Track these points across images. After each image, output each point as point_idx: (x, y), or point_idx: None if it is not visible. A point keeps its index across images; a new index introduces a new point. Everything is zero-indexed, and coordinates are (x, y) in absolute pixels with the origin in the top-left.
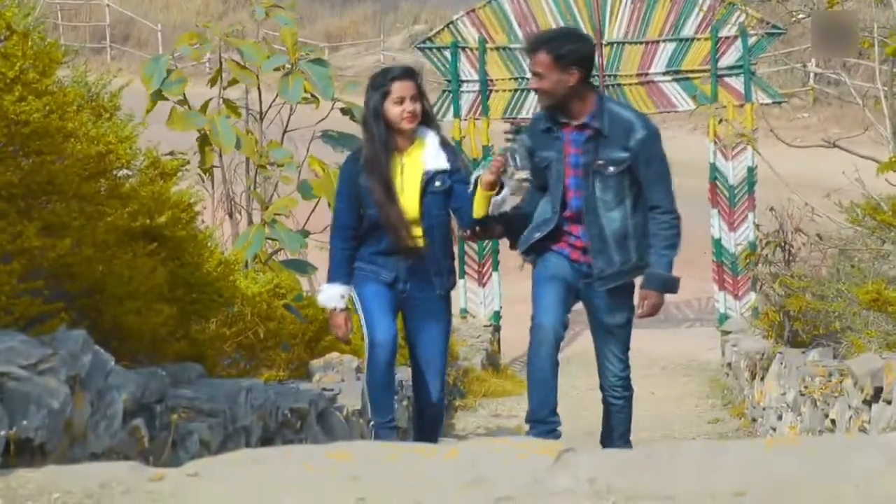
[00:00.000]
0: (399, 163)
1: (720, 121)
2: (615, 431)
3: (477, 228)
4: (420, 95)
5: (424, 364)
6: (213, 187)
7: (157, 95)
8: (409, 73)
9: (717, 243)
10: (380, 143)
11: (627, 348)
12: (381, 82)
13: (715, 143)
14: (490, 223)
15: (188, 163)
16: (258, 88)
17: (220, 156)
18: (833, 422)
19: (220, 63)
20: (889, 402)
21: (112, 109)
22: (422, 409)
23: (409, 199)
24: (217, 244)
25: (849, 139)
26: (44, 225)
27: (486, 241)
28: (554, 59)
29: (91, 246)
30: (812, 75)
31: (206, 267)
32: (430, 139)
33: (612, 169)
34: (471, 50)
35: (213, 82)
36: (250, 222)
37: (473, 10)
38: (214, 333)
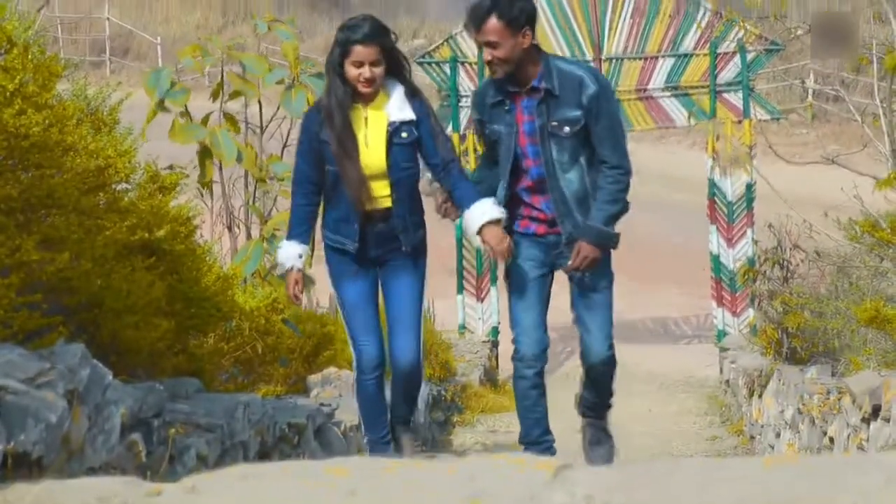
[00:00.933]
0: (362, 115)
1: (718, 137)
2: (592, 394)
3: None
4: (385, 56)
5: (393, 321)
6: (212, 201)
7: (160, 106)
8: (373, 37)
9: (716, 259)
10: (335, 97)
11: (610, 321)
12: (343, 40)
13: (713, 158)
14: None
15: (187, 176)
16: (259, 102)
17: (220, 169)
18: (831, 440)
19: (222, 76)
20: (887, 421)
21: (111, 123)
22: (394, 369)
23: (375, 152)
24: (216, 259)
25: (847, 156)
26: (43, 238)
27: (485, 257)
28: (506, 24)
29: (90, 260)
30: (811, 92)
31: (205, 281)
32: (396, 90)
33: (567, 129)
34: (469, 65)
35: (214, 95)
36: (249, 237)
37: None
38: (212, 348)
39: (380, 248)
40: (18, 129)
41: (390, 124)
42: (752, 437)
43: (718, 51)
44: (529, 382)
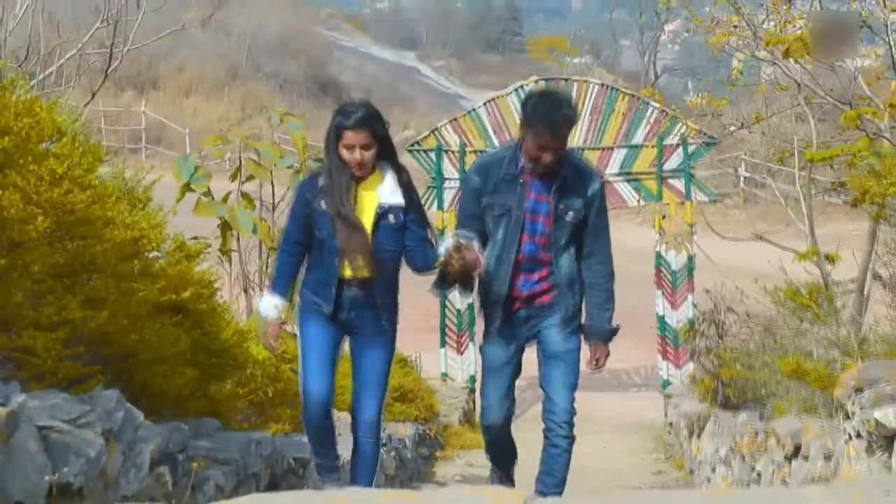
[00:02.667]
0: (354, 193)
1: (664, 216)
2: (553, 478)
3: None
4: (375, 140)
5: (361, 386)
6: (230, 267)
7: (186, 188)
8: (364, 122)
9: (661, 320)
10: (334, 175)
11: (576, 383)
12: (336, 125)
13: (660, 234)
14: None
15: (209, 246)
16: (272, 183)
17: (238, 240)
18: (759, 474)
19: (240, 161)
20: (806, 459)
21: (145, 201)
22: (355, 430)
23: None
24: (233, 316)
25: (773, 233)
26: (85, 299)
27: (464, 316)
28: (570, 128)
29: (125, 317)
30: (742, 178)
31: (224, 336)
32: (389, 174)
33: (570, 215)
34: (452, 153)
35: (233, 177)
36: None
37: (455, 119)
38: (230, 393)
39: (352, 312)
40: (66, 205)
41: (380, 206)
42: (692, 472)
43: (664, 143)
44: (497, 438)
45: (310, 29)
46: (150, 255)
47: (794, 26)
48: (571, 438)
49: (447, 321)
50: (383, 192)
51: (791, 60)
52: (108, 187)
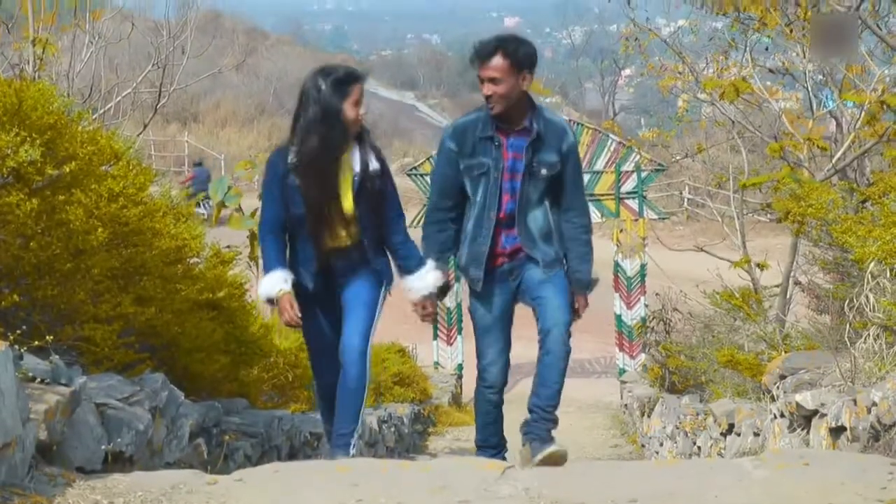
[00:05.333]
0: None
1: (621, 230)
2: (547, 389)
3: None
4: None
5: (346, 312)
6: (257, 271)
7: (221, 205)
8: (362, 75)
9: (619, 318)
10: (338, 143)
11: (570, 302)
12: (341, 81)
13: (617, 246)
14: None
15: (240, 253)
16: None
17: None
18: (699, 448)
19: None
20: (739, 435)
21: (188, 215)
22: (342, 355)
23: (344, 200)
24: (260, 313)
25: (711, 245)
26: (136, 297)
27: (454, 313)
28: (510, 63)
29: (170, 312)
30: (686, 199)
31: (252, 329)
32: (361, 140)
33: (544, 171)
34: None
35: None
36: None
37: None
38: (256, 377)
39: (343, 277)
40: (121, 218)
41: (356, 174)
42: (643, 446)
43: (622, 169)
44: (492, 403)
45: None
46: (191, 261)
47: (730, 73)
48: (567, 349)
49: (439, 317)
50: (359, 158)
51: (726, 102)
52: (156, 203)
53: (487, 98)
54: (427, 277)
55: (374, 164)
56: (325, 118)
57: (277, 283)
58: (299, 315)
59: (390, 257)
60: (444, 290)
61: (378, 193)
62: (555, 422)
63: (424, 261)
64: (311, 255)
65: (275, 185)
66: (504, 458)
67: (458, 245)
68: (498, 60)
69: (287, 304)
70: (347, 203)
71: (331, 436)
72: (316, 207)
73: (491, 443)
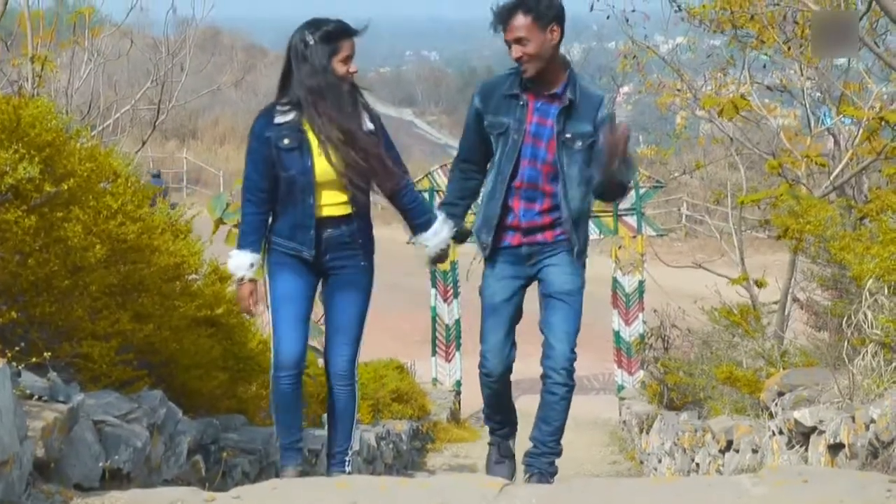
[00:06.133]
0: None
1: (619, 247)
2: (549, 426)
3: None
4: None
5: (334, 329)
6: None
7: (220, 221)
8: (354, 30)
9: (617, 334)
10: (344, 97)
11: (577, 328)
12: (329, 36)
13: (616, 262)
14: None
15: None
16: None
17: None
18: (697, 465)
19: None
20: (737, 452)
21: (186, 232)
22: (330, 379)
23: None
24: (258, 329)
25: (710, 262)
26: (134, 314)
27: (452, 329)
28: (534, 19)
29: (168, 329)
30: (684, 216)
31: (250, 345)
32: (354, 100)
33: (579, 143)
34: (440, 193)
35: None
36: None
37: (445, 165)
38: (254, 393)
39: (334, 253)
40: (120, 235)
41: None
42: (642, 462)
43: None
44: (492, 389)
45: None
46: (190, 278)
47: (728, 90)
48: (570, 386)
49: (437, 334)
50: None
51: (724, 119)
52: (155, 220)
53: (518, 61)
54: (441, 232)
55: (367, 125)
56: (314, 74)
57: (244, 266)
58: (254, 308)
59: (402, 216)
60: (461, 238)
61: (374, 156)
62: (558, 454)
63: (436, 215)
64: (307, 218)
65: (259, 151)
66: (510, 437)
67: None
68: (520, 19)
69: (246, 293)
70: (339, 167)
71: (283, 450)
72: (330, 144)
73: (495, 419)
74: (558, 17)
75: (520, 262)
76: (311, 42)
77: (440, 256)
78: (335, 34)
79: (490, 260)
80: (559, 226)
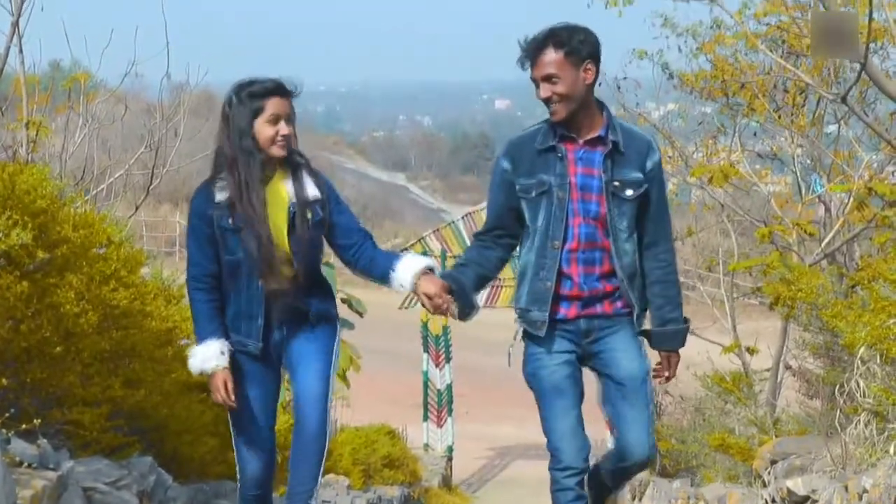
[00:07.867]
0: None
1: None
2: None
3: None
4: (294, 116)
5: (301, 392)
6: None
7: None
8: (286, 89)
9: None
10: (253, 170)
11: (654, 413)
12: (252, 94)
13: None
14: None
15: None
16: None
17: None
18: None
19: None
20: None
21: (179, 296)
22: (301, 407)
23: (276, 235)
24: None
25: (702, 329)
26: (126, 379)
27: (444, 394)
28: (566, 55)
29: (159, 395)
30: None
31: None
32: (295, 166)
33: (629, 192)
34: (435, 257)
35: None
36: None
37: (438, 230)
38: None
39: (283, 326)
40: (112, 301)
41: (292, 204)
42: None
43: None
44: (574, 493)
45: (317, 153)
46: (182, 342)
47: (719, 157)
48: (653, 459)
49: (429, 399)
50: (292, 186)
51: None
52: (147, 285)
53: (546, 102)
54: (414, 261)
55: (312, 192)
56: (238, 140)
57: (213, 356)
58: (233, 397)
59: (372, 276)
60: (467, 312)
61: (319, 225)
62: None
63: (400, 255)
64: (254, 306)
65: (202, 231)
66: None
67: (517, 284)
68: (550, 54)
69: (221, 384)
70: (281, 239)
71: None
72: (262, 250)
73: None
74: (593, 55)
75: (577, 337)
76: (235, 102)
77: (428, 281)
78: (259, 93)
79: (539, 334)
80: (619, 298)
